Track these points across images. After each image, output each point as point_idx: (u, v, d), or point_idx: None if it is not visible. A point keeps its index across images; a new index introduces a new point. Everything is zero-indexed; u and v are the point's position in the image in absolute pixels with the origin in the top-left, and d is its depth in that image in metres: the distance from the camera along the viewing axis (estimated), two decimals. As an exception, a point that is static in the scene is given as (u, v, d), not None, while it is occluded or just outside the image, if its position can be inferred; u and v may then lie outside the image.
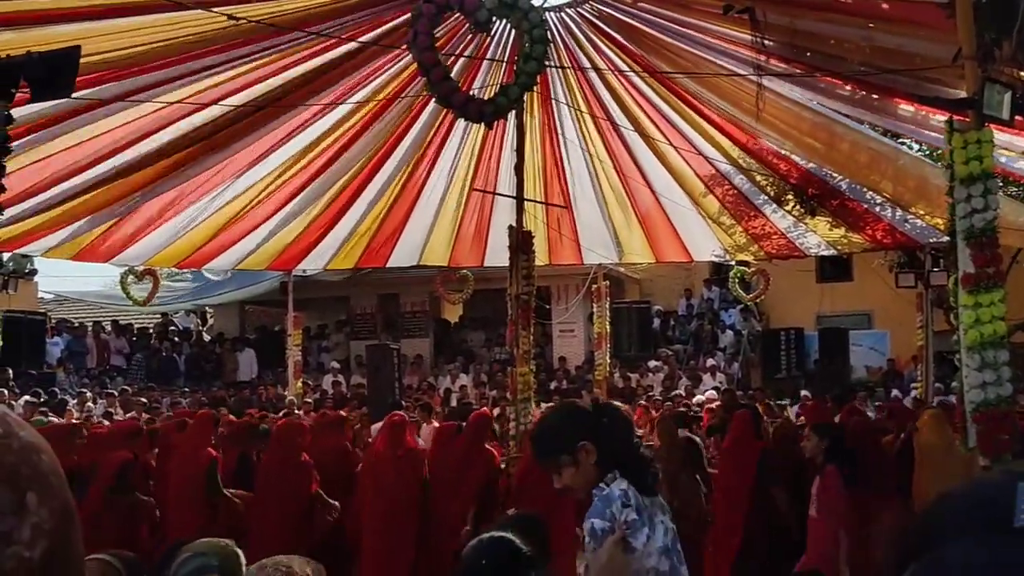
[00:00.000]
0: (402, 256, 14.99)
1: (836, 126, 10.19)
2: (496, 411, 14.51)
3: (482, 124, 8.61)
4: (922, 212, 11.69)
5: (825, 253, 15.10)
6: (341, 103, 10.29)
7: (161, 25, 7.60)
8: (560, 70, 10.48)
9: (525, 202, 11.16)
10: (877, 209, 12.48)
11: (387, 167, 12.23)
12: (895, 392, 17.32)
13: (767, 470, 8.24)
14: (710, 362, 20.24)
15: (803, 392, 16.36)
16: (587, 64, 10.39)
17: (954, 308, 5.55)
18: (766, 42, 7.99)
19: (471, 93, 9.03)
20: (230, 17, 6.66)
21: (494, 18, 7.82)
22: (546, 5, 9.49)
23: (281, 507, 8.23)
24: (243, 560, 2.83)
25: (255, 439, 9.32)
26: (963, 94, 5.80)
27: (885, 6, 7.37)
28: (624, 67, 10.19)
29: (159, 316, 25.28)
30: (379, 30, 8.99)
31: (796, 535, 7.67)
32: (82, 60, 5.72)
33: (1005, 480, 0.83)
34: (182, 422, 9.49)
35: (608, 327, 17.26)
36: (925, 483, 7.03)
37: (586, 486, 3.12)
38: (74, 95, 6.30)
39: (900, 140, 12.34)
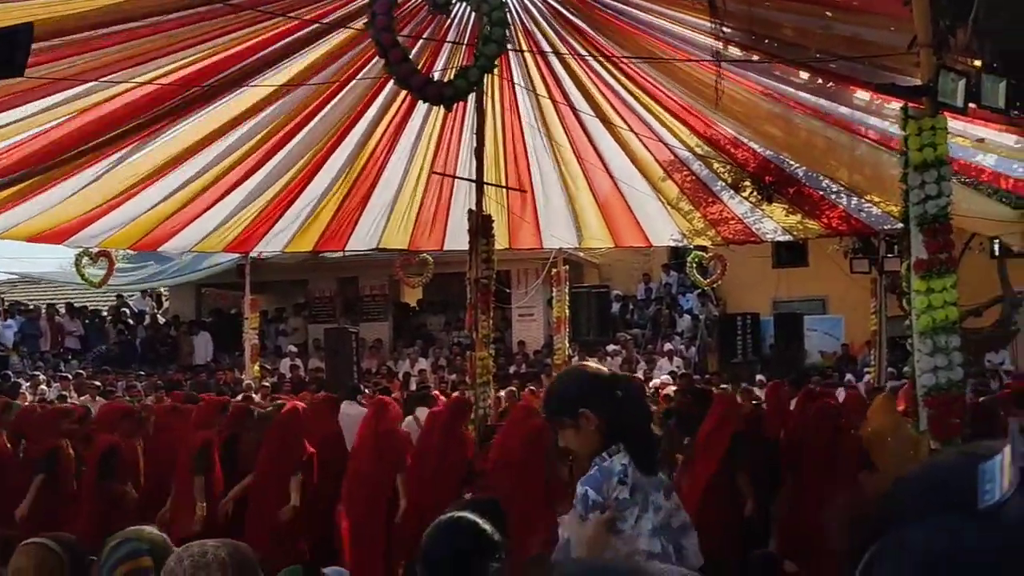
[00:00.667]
0: (361, 239, 14.92)
1: (794, 115, 10.28)
2: (455, 395, 14.54)
3: (441, 107, 8.56)
4: (877, 199, 11.83)
5: (781, 239, 15.26)
6: (299, 84, 10.19)
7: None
8: (520, 54, 10.46)
9: (485, 186, 11.16)
10: (833, 197, 12.62)
11: (345, 149, 12.16)
12: (848, 376, 17.52)
13: (737, 455, 8.29)
14: (668, 346, 20.35)
15: (759, 376, 16.50)
16: (547, 48, 10.38)
17: (907, 294, 5.63)
18: (724, 29, 8.03)
19: (431, 75, 9.00)
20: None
21: (453, 0, 7.80)
22: (506, -12, 9.48)
23: (282, 490, 8.20)
24: (171, 546, 2.85)
25: (246, 424, 9.28)
26: (918, 82, 5.87)
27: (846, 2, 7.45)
28: (584, 52, 10.20)
29: (114, 298, 25.01)
30: (339, 12, 8.93)
31: (758, 520, 7.74)
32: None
33: (964, 461, 0.83)
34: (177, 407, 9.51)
35: (567, 311, 17.31)
36: (877, 466, 7.13)
37: (587, 452, 3.10)
38: (27, 74, 6.18)
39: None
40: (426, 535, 2.87)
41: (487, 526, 2.80)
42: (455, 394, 10.82)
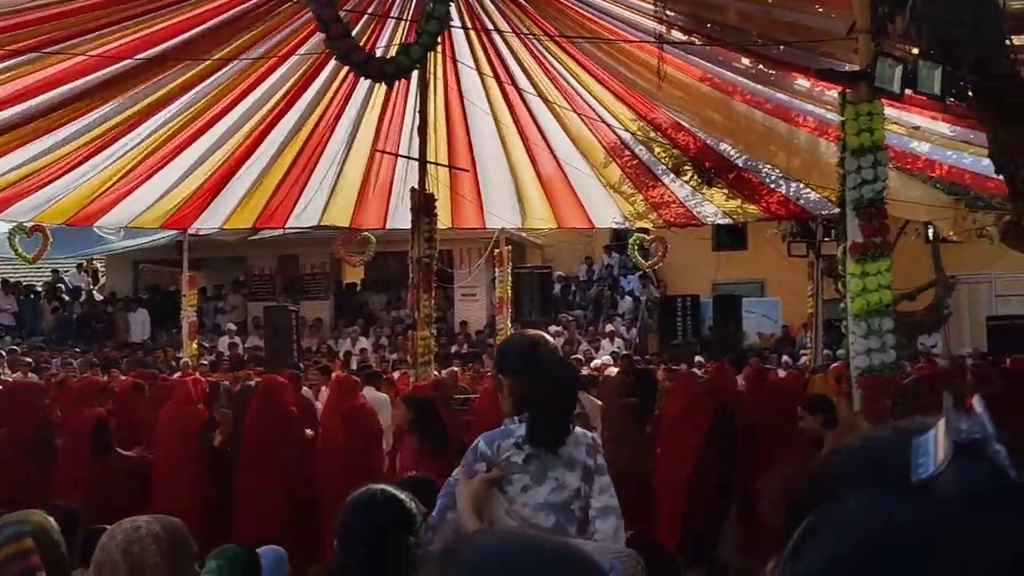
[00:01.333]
0: (302, 216, 14.78)
1: (734, 100, 10.38)
2: (396, 375, 14.51)
3: (383, 83, 8.50)
4: (815, 185, 11.99)
5: (721, 222, 15.41)
6: (237, 59, 10.05)
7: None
8: (464, 31, 10.41)
9: (428, 164, 11.11)
10: (771, 184, 12.80)
11: (286, 124, 12.03)
12: (785, 358, 17.78)
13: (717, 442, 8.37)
14: (609, 327, 20.46)
15: (697, 357, 16.68)
16: (491, 26, 10.35)
17: (842, 277, 5.72)
18: (668, 12, 8.07)
19: (373, 52, 8.92)
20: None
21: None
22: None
23: (270, 462, 8.15)
24: (56, 527, 2.85)
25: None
26: (857, 68, 5.95)
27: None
28: (527, 31, 10.18)
29: (49, 274, 24.50)
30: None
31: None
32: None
33: (898, 436, 0.84)
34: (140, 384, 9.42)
35: (510, 292, 17.33)
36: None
37: (506, 415, 3.14)
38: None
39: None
40: (343, 508, 2.82)
41: (406, 499, 2.74)
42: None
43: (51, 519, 2.91)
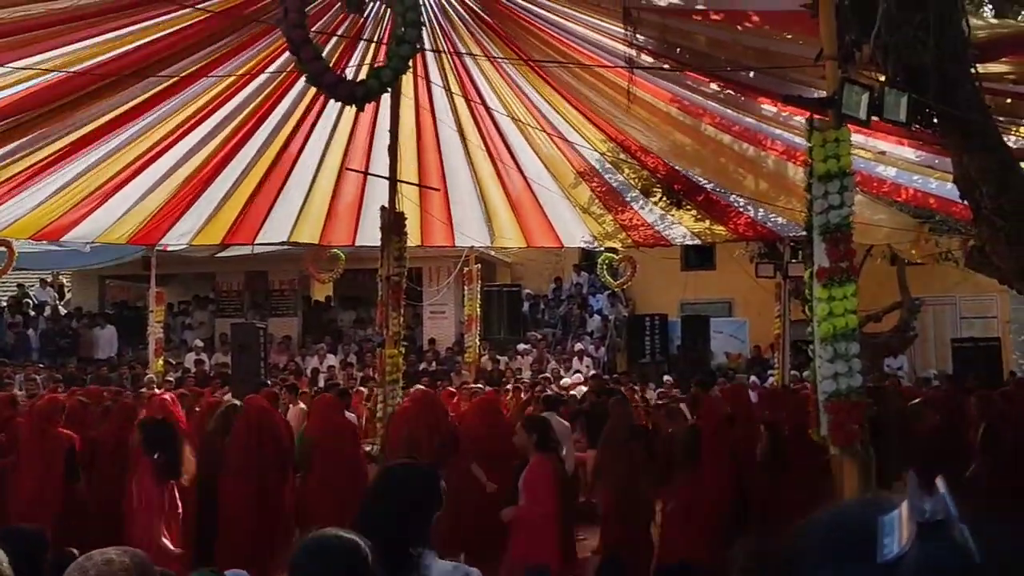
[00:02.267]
0: (271, 233, 14.69)
1: (703, 124, 10.47)
2: (365, 392, 14.47)
3: (353, 106, 8.48)
4: (782, 206, 12.09)
5: (690, 243, 15.52)
6: (207, 76, 10.01)
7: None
8: (436, 54, 10.43)
9: (398, 183, 11.09)
10: (739, 206, 12.91)
11: (256, 141, 11.99)
12: (753, 378, 17.87)
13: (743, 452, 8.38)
14: (578, 346, 20.51)
15: (666, 377, 16.75)
16: (462, 47, 10.37)
17: (809, 301, 5.76)
18: (638, 36, 8.12)
19: (344, 73, 8.91)
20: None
21: (368, 1, 7.74)
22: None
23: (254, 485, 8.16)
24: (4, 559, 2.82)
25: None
26: (824, 94, 6.01)
27: (755, 17, 7.59)
28: (498, 53, 10.22)
29: (15, 288, 24.24)
30: (254, 7, 8.79)
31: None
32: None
33: (865, 512, 0.85)
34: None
35: (479, 310, 17.34)
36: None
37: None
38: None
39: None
40: (298, 549, 2.68)
41: (362, 545, 2.60)
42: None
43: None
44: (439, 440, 8.71)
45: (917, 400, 11.08)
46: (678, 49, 8.78)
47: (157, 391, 12.70)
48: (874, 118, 5.79)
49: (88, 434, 8.73)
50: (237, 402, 9.66)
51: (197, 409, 10.43)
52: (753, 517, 8.08)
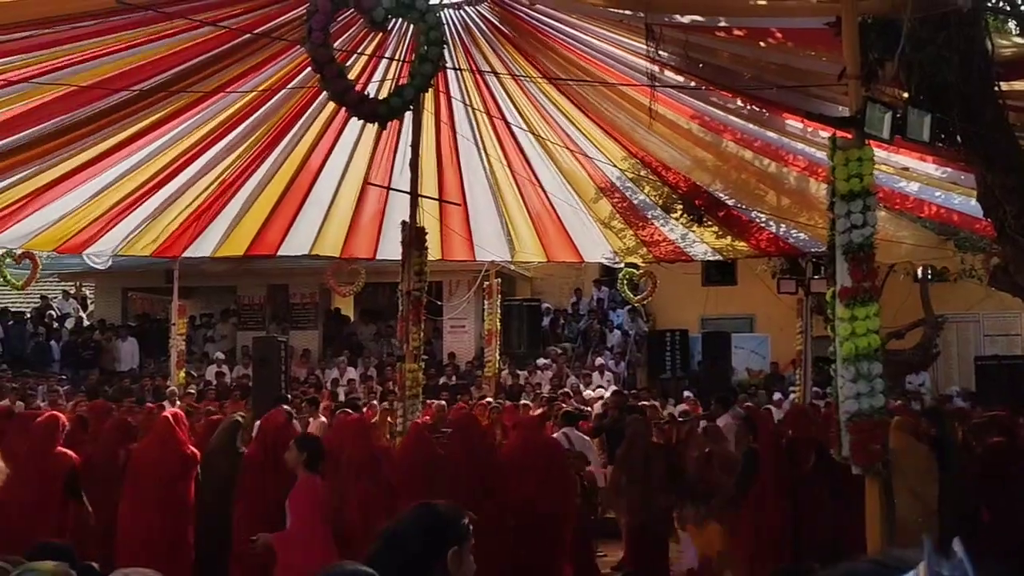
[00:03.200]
0: (293, 246, 14.76)
1: (724, 140, 10.45)
2: (384, 405, 14.48)
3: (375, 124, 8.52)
4: (805, 222, 12.05)
5: (711, 259, 15.47)
6: (232, 91, 10.08)
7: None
8: (458, 72, 10.47)
9: (420, 198, 11.11)
10: (761, 222, 12.87)
11: (279, 154, 12.05)
12: (777, 395, 17.78)
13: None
14: (598, 361, 20.46)
15: (686, 392, 16.69)
16: (484, 63, 10.40)
17: (832, 320, 5.73)
18: (660, 53, 8.11)
19: (366, 91, 8.94)
20: (118, 2, 6.45)
21: (391, 17, 7.77)
22: (445, 2, 9.48)
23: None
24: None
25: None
26: (848, 111, 5.99)
27: (778, 34, 7.57)
28: (519, 71, 10.24)
29: (38, 299, 24.46)
30: (276, 21, 8.85)
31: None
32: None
33: (880, 573, 0.84)
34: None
35: (499, 324, 17.34)
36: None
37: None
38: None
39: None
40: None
41: None
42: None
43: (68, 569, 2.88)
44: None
45: (981, 419, 10.80)
46: (700, 65, 8.77)
47: (176, 404, 12.81)
48: (897, 137, 5.78)
49: (84, 450, 8.65)
50: (239, 417, 9.64)
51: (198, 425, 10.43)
52: (807, 542, 8.00)
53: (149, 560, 7.17)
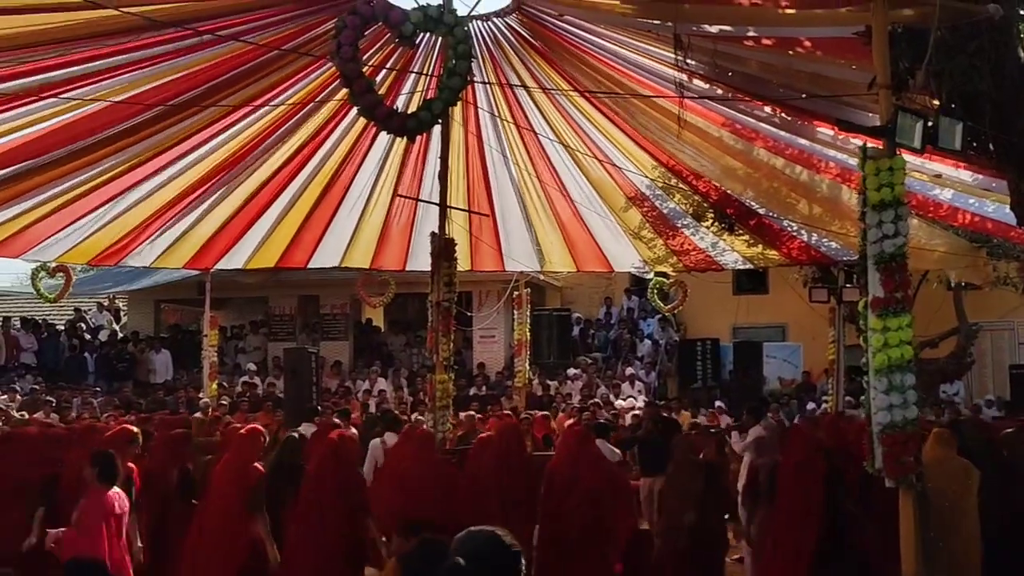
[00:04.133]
0: (323, 257, 14.83)
1: (755, 148, 10.40)
2: (415, 416, 14.52)
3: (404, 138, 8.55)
4: (837, 231, 11.96)
5: (742, 267, 15.39)
6: (263, 105, 10.16)
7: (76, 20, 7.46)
8: (487, 86, 10.50)
9: (448, 209, 11.14)
10: (792, 230, 12.79)
11: (310, 167, 12.13)
12: (810, 404, 17.66)
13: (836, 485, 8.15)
14: (628, 371, 20.39)
15: (717, 403, 16.60)
16: (513, 76, 10.42)
17: (864, 331, 5.68)
18: (689, 62, 8.10)
19: (395, 103, 8.97)
20: (145, 19, 6.52)
21: (419, 32, 7.81)
22: (473, 14, 9.51)
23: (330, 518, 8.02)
24: None
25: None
26: (878, 119, 5.95)
27: (807, 43, 7.54)
28: (549, 81, 10.25)
29: (72, 312, 24.73)
30: (306, 35, 8.92)
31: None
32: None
33: None
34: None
35: (528, 334, 17.34)
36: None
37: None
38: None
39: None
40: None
41: None
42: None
43: None
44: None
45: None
46: (730, 73, 8.74)
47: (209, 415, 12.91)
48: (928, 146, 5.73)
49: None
50: (296, 434, 9.63)
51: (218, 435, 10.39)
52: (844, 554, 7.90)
53: None
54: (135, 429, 8.77)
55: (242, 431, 8.87)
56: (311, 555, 7.77)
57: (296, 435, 9.36)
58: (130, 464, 8.14)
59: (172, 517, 8.41)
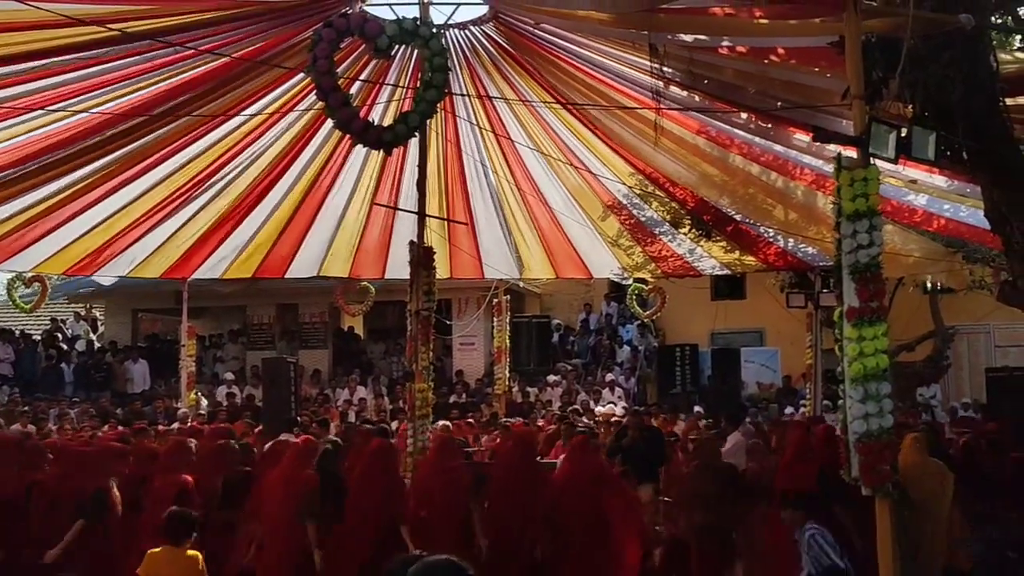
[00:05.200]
0: (302, 267, 14.80)
1: (730, 154, 10.45)
2: (395, 424, 14.46)
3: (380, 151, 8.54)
4: (813, 236, 12.03)
5: (720, 273, 15.45)
6: (237, 114, 10.13)
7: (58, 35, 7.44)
8: (465, 98, 10.51)
9: (427, 218, 11.13)
10: (769, 236, 12.85)
11: (288, 177, 12.11)
12: (789, 408, 17.72)
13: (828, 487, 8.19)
14: (608, 377, 20.39)
15: (696, 408, 16.63)
16: (490, 84, 10.44)
17: (839, 340, 5.70)
18: (665, 69, 8.12)
19: (371, 119, 8.94)
20: (123, 32, 6.49)
21: (395, 44, 7.80)
22: (450, 23, 9.52)
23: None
24: None
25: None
26: (852, 129, 5.97)
27: (782, 51, 7.58)
28: (526, 89, 10.27)
29: (48, 322, 24.55)
30: (282, 45, 8.91)
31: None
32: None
33: None
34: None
35: (508, 341, 17.32)
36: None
37: None
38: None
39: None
40: None
41: None
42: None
43: None
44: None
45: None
46: (705, 81, 8.78)
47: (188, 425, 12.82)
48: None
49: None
50: (330, 444, 9.59)
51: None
52: None
53: None
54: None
55: (296, 441, 8.98)
56: (349, 563, 7.80)
57: (332, 444, 9.31)
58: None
59: (213, 526, 8.25)
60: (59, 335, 23.23)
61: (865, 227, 5.47)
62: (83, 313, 25.23)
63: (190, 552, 6.37)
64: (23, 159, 9.75)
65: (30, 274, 14.28)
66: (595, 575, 8.12)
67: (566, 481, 8.60)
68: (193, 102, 9.54)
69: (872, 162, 5.60)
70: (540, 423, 14.38)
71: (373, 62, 9.59)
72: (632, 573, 8.27)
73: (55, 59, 7.95)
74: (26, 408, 15.54)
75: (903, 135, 5.60)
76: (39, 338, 22.88)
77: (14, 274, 14.29)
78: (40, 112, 8.77)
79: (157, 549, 6.28)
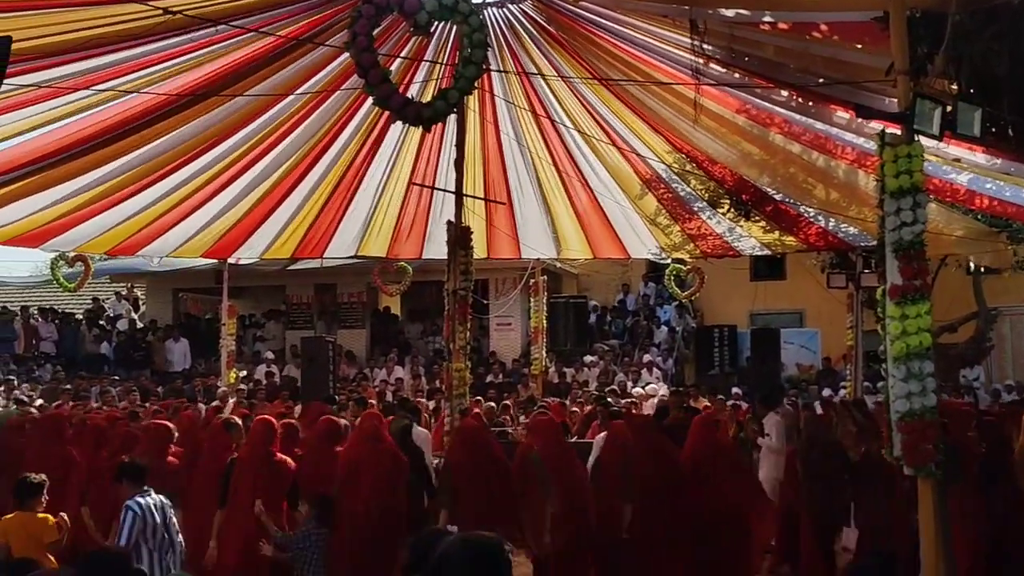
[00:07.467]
0: (340, 247, 14.89)
1: (771, 133, 10.34)
2: (432, 404, 14.55)
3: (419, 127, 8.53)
4: (854, 216, 11.89)
5: (760, 253, 15.33)
6: (279, 95, 10.16)
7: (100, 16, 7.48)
8: (503, 75, 10.47)
9: (465, 197, 11.13)
10: (810, 216, 12.72)
11: (326, 158, 12.15)
12: (827, 390, 17.58)
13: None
14: (646, 358, 20.32)
15: (735, 389, 16.54)
16: (528, 62, 10.39)
17: (882, 318, 5.64)
18: (705, 47, 8.05)
19: (410, 93, 8.96)
20: (165, 11, 6.53)
21: (434, 21, 7.78)
22: (488, 1, 9.48)
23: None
24: None
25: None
26: (896, 105, 5.89)
27: (824, 27, 7.48)
28: (564, 67, 10.21)
29: (90, 301, 24.88)
30: (322, 26, 8.92)
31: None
32: (14, 47, 5.59)
33: None
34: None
35: (545, 321, 17.32)
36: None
37: None
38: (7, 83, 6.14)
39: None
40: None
41: None
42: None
43: None
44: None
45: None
46: (746, 58, 8.69)
47: (229, 404, 12.96)
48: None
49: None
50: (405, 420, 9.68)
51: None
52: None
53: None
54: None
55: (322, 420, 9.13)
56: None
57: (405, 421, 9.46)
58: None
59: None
60: (102, 314, 23.54)
61: (909, 204, 5.41)
62: (124, 293, 25.54)
63: (40, 515, 6.73)
64: (67, 146, 9.87)
65: (73, 254, 14.47)
66: (724, 549, 8.18)
67: (694, 460, 8.63)
68: (231, 84, 9.58)
69: (916, 138, 5.53)
70: (575, 406, 14.34)
71: (412, 40, 9.59)
72: (760, 549, 8.42)
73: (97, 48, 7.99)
74: (67, 386, 15.78)
75: (948, 111, 5.52)
76: (81, 317, 23.19)
77: (57, 253, 14.47)
78: (89, 93, 8.82)
79: (10, 515, 6.69)
